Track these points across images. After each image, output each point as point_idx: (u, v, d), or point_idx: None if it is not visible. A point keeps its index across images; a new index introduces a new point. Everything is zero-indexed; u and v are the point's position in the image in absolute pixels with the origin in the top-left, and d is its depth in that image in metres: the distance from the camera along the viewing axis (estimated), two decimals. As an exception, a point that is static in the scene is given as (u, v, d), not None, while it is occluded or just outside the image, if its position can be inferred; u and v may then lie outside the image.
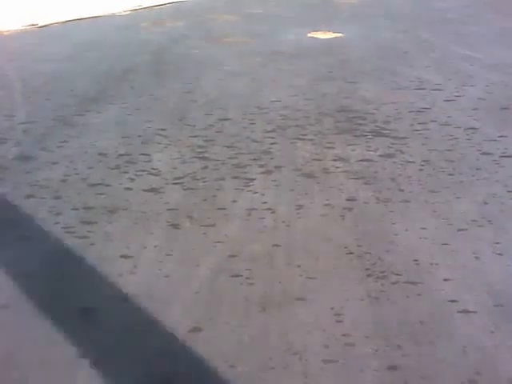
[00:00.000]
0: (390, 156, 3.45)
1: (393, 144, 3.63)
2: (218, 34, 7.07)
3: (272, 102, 4.48)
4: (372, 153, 3.50)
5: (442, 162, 3.36)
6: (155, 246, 2.54)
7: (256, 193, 3.02)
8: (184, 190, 3.06)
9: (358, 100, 4.49)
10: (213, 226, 2.70)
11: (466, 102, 4.40)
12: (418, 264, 2.39)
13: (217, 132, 3.87)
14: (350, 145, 3.63)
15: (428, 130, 3.86)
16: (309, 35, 6.95)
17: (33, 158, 3.48)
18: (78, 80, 5.14)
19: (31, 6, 8.94)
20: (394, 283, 2.26)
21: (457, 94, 4.60)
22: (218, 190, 3.06)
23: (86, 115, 4.24)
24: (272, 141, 3.70)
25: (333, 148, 3.58)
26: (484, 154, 3.47)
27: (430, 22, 7.66)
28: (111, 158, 3.47)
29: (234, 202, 2.92)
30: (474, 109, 4.26)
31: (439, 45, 6.35)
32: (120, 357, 1.90)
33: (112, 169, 3.32)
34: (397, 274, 2.31)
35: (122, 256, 2.46)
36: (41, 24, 7.74)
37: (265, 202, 2.91)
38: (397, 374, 1.82)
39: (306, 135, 3.79)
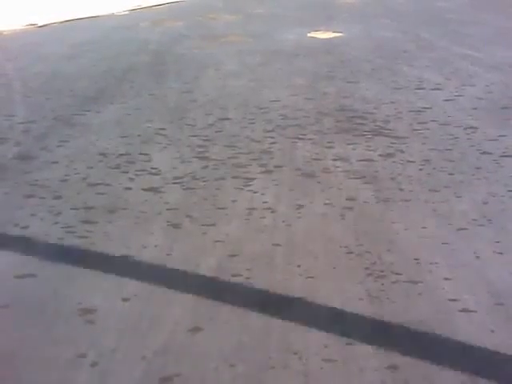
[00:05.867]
0: (389, 155, 3.45)
1: (393, 143, 3.63)
2: (217, 34, 7.07)
3: (272, 101, 4.48)
4: (372, 152, 3.50)
5: (442, 161, 3.36)
6: (155, 246, 2.53)
7: (256, 192, 3.01)
8: (184, 189, 3.06)
9: (357, 99, 4.49)
10: (213, 225, 2.70)
11: (466, 102, 4.40)
12: (418, 263, 2.38)
13: (217, 132, 3.87)
14: (349, 144, 3.62)
15: (428, 129, 3.86)
16: (309, 35, 6.95)
17: (33, 158, 3.48)
18: (77, 80, 5.14)
19: (31, 6, 8.93)
20: (394, 282, 2.26)
21: (457, 94, 4.60)
22: (217, 189, 3.05)
23: (86, 115, 4.24)
24: (272, 140, 3.70)
25: (333, 147, 3.58)
26: (484, 153, 3.46)
27: (430, 22, 7.65)
28: (111, 158, 3.46)
29: (234, 201, 2.92)
30: (474, 108, 4.25)
31: (439, 44, 6.35)
32: (120, 357, 1.90)
33: (112, 168, 3.32)
34: (397, 274, 2.31)
35: (122, 256, 2.46)
36: (40, 24, 7.73)
37: (265, 202, 2.91)
38: (397, 373, 1.81)
39: (305, 135, 3.79)
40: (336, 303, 2.14)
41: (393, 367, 1.83)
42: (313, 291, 2.21)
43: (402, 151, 3.51)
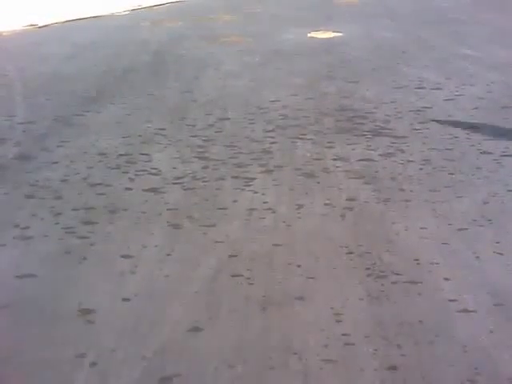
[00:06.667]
0: (390, 155, 3.45)
1: (393, 143, 3.63)
2: (217, 34, 7.07)
3: (272, 101, 4.48)
4: (372, 152, 3.50)
5: (442, 161, 3.36)
6: (155, 246, 2.54)
7: (256, 192, 3.01)
8: (184, 189, 3.06)
9: (357, 99, 4.49)
10: (213, 225, 2.70)
11: (466, 101, 4.40)
12: (418, 263, 2.39)
13: (217, 132, 3.87)
14: (350, 144, 3.62)
15: (428, 129, 3.86)
16: (309, 35, 6.95)
17: (33, 158, 3.48)
18: (77, 80, 5.14)
19: (31, 6, 8.93)
20: (393, 283, 2.26)
21: (457, 93, 4.59)
22: (218, 189, 3.05)
23: (86, 115, 4.24)
24: (272, 140, 3.70)
25: (333, 147, 3.58)
26: (484, 153, 3.46)
27: (430, 22, 7.65)
28: (111, 158, 3.46)
29: (235, 201, 2.92)
30: (474, 108, 4.25)
31: (439, 44, 6.35)
32: (120, 357, 1.90)
33: (112, 169, 3.32)
34: (397, 274, 2.31)
35: (122, 256, 2.46)
36: (41, 24, 7.73)
37: (265, 202, 2.91)
38: (397, 373, 1.82)
39: (305, 134, 3.79)
40: (336, 303, 2.14)
41: (393, 367, 1.84)
42: (313, 291, 2.21)
43: (402, 151, 3.51)
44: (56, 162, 3.42)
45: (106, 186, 3.12)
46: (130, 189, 3.08)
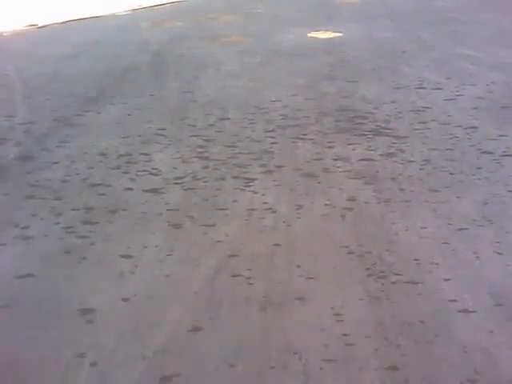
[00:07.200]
0: (390, 155, 3.45)
1: (393, 143, 3.62)
2: (217, 34, 7.06)
3: (272, 101, 4.48)
4: (372, 152, 3.50)
5: (442, 161, 3.36)
6: (156, 246, 2.54)
7: (256, 193, 3.02)
8: (184, 189, 3.07)
9: (358, 99, 4.49)
10: (213, 225, 2.70)
11: (467, 101, 4.39)
12: (418, 263, 2.38)
13: (217, 132, 3.87)
14: (350, 144, 3.62)
15: (428, 129, 3.86)
16: (309, 35, 6.94)
17: (33, 158, 3.49)
18: (78, 80, 5.14)
19: (31, 6, 8.94)
20: (394, 283, 2.26)
21: (457, 93, 4.59)
22: (218, 189, 3.06)
23: (86, 115, 4.24)
24: (272, 140, 3.70)
25: (333, 147, 3.58)
26: (484, 153, 3.46)
27: (430, 22, 7.64)
28: (111, 158, 3.47)
29: (235, 201, 2.92)
30: (475, 108, 4.25)
31: (439, 44, 6.34)
32: (120, 357, 1.90)
33: (112, 169, 3.32)
34: (397, 274, 2.31)
35: (122, 256, 2.46)
36: (41, 24, 7.74)
37: (265, 202, 2.91)
38: (397, 373, 1.82)
39: (306, 135, 3.79)
40: (336, 303, 2.14)
41: (393, 367, 1.84)
42: (313, 291, 2.21)
43: (402, 151, 3.51)
44: (56, 163, 3.42)
45: (107, 186, 3.12)
46: (130, 189, 3.08)
